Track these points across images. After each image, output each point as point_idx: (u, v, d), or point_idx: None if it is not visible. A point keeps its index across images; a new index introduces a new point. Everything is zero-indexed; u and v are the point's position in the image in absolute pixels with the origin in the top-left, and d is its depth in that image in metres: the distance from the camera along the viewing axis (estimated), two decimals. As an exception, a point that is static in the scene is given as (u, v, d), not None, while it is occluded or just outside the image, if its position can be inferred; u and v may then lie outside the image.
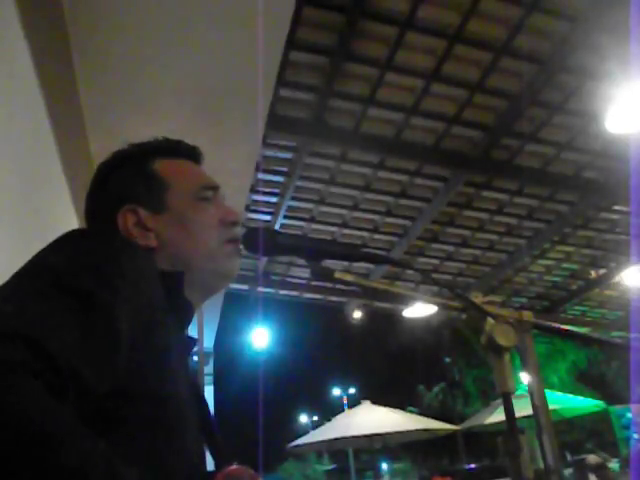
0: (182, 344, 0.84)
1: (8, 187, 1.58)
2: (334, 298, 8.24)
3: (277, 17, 2.41)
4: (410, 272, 7.51)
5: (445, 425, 8.69)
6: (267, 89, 2.87)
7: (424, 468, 23.03)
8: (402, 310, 7.74)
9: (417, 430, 7.85)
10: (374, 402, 8.25)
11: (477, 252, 7.19)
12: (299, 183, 5.51)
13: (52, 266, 0.67)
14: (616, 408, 10.55)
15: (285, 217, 6.04)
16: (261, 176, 5.19)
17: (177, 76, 2.67)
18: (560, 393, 10.14)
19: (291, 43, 3.77)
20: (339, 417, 8.70)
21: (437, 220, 6.34)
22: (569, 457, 14.14)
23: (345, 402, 23.34)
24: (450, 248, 7.05)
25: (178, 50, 2.50)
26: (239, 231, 0.94)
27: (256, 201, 5.75)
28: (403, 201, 5.95)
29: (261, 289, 7.54)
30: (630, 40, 3.58)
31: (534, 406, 5.76)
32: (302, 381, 34.64)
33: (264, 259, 6.44)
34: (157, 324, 0.72)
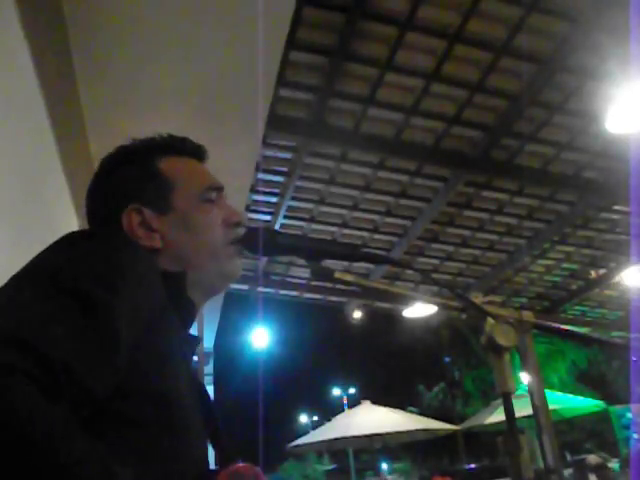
0: (185, 343, 0.84)
1: (8, 187, 1.58)
2: (334, 298, 8.23)
3: (277, 17, 2.41)
4: (410, 272, 7.50)
5: (445, 425, 8.70)
6: (267, 89, 2.87)
7: (424, 468, 23.04)
8: (402, 310, 7.74)
9: (417, 430, 7.87)
10: (374, 402, 8.26)
11: (477, 252, 7.18)
12: (299, 183, 5.51)
13: (51, 267, 0.67)
14: (616, 408, 10.56)
15: (285, 217, 6.03)
16: (261, 176, 5.18)
17: (177, 76, 2.67)
18: (560, 393, 10.16)
19: (291, 43, 3.77)
20: (339, 417, 8.71)
21: (437, 220, 6.34)
22: (569, 457, 14.16)
23: (345, 402, 23.33)
24: (450, 248, 7.04)
25: (178, 50, 2.50)
26: (242, 232, 0.94)
27: (256, 201, 5.75)
28: (403, 201, 5.94)
29: (261, 289, 7.53)
30: (630, 40, 3.58)
31: (534, 406, 5.77)
32: (302, 381, 34.66)
33: (264, 259, 6.44)
34: (159, 324, 0.72)
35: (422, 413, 17.13)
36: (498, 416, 7.85)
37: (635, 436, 9.76)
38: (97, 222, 0.90)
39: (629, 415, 10.07)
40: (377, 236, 6.54)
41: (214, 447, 0.84)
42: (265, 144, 4.58)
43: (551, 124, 4.95)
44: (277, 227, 5.96)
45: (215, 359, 7.21)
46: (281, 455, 21.62)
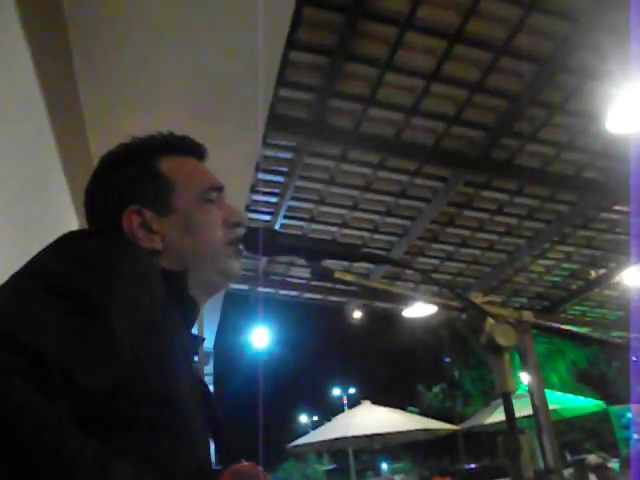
0: (188, 342, 0.84)
1: (8, 187, 1.58)
2: (334, 298, 8.23)
3: (277, 17, 2.41)
4: (410, 272, 7.50)
5: (445, 425, 8.70)
6: (267, 89, 2.87)
7: (424, 468, 23.03)
8: (402, 310, 7.74)
9: (417, 430, 7.86)
10: (374, 402, 8.26)
11: (477, 252, 7.18)
12: (299, 183, 5.51)
13: (49, 268, 0.67)
14: (616, 408, 10.56)
15: (285, 217, 6.03)
16: (261, 176, 5.18)
17: (177, 76, 2.67)
18: (560, 393, 10.15)
19: (291, 43, 3.77)
20: (339, 417, 8.71)
21: (437, 220, 6.34)
22: (569, 457, 14.16)
23: (345, 402, 23.34)
24: (450, 248, 7.04)
25: (178, 50, 2.50)
26: (241, 232, 0.94)
27: (256, 201, 5.75)
28: (403, 201, 5.94)
29: (261, 289, 7.53)
30: (630, 40, 3.57)
31: (534, 406, 5.77)
32: (302, 381, 34.70)
33: (264, 259, 6.44)
34: (161, 323, 0.71)
35: (422, 413, 17.13)
36: (498, 416, 7.84)
37: (635, 436, 9.76)
38: (97, 222, 0.90)
39: (629, 415, 10.07)
40: (377, 236, 6.54)
41: (217, 447, 0.84)
42: (265, 144, 4.58)
43: (551, 124, 4.95)
44: (277, 227, 5.96)
45: (215, 359, 7.21)
46: (281, 455, 21.64)
